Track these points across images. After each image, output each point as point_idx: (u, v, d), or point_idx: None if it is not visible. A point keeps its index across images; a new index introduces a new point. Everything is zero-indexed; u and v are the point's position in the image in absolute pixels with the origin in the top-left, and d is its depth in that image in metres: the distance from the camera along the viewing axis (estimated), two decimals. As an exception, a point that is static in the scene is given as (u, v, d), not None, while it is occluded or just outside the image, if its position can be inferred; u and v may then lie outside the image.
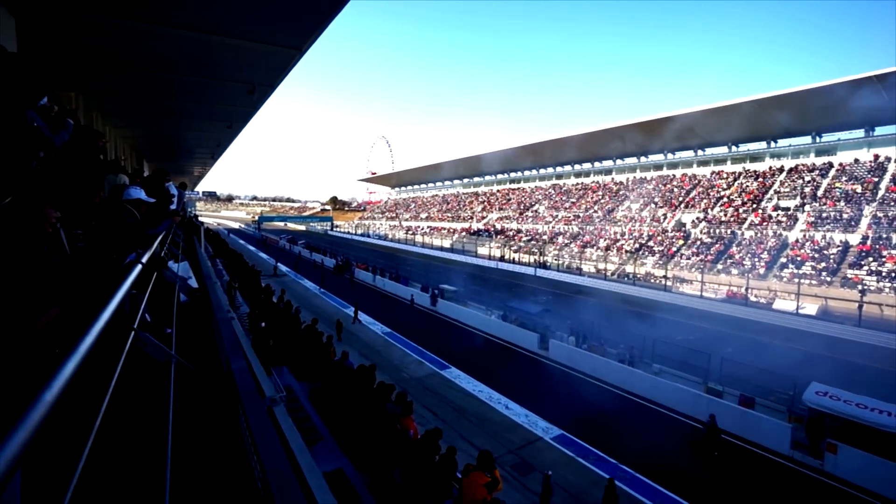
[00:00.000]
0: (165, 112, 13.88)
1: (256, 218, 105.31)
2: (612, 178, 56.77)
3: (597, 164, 59.68)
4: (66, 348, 0.64)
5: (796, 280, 26.92)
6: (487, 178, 78.35)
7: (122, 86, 10.94)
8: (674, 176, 49.92)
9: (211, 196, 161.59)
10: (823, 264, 28.29)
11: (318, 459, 6.61)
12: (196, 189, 74.98)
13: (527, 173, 70.35)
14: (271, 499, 0.97)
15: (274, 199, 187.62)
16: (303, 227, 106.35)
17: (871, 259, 26.91)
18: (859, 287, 24.46)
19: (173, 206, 5.02)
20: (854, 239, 29.42)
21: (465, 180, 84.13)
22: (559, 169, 65.30)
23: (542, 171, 68.00)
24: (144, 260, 1.73)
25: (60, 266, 1.48)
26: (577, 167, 62.66)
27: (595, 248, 43.71)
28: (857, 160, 36.70)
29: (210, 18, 6.96)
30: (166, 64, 9.15)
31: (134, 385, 1.27)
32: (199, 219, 40.21)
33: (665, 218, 43.20)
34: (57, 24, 6.87)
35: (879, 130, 36.67)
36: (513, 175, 72.69)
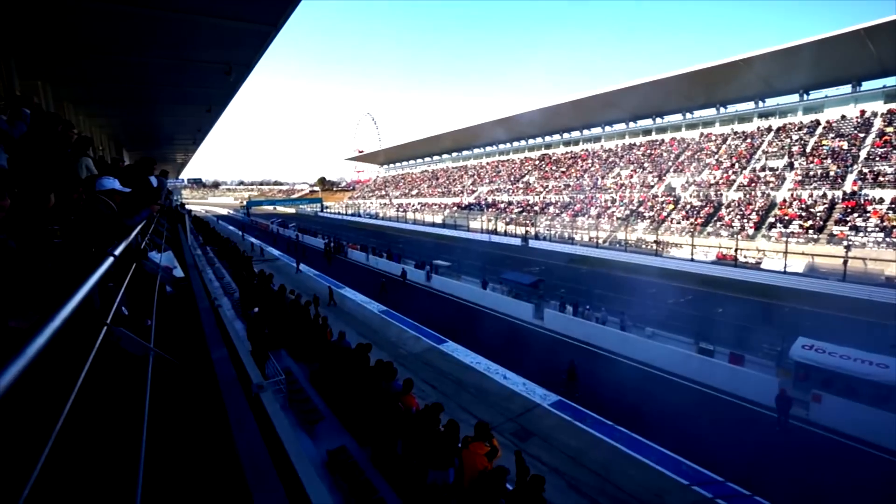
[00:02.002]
0: (140, 98, 13.40)
1: (245, 203, 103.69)
2: (602, 146, 56.40)
3: (585, 132, 59.14)
4: (11, 350, 0.61)
5: (784, 239, 27.30)
6: (476, 151, 77.40)
7: (92, 72, 10.50)
8: (662, 140, 49.68)
9: (196, 183, 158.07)
10: (810, 222, 28.66)
11: (321, 438, 6.75)
12: (180, 176, 73.35)
13: (515, 144, 69.60)
14: (248, 492, 0.98)
15: (261, 183, 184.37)
16: (292, 210, 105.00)
17: (856, 215, 27.29)
18: (844, 243, 24.89)
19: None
20: (840, 195, 29.74)
21: (454, 154, 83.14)
22: (548, 138, 64.62)
23: (530, 141, 67.29)
24: (118, 252, 1.68)
25: (31, 263, 1.42)
26: (565, 136, 62.01)
27: (586, 216, 43.82)
28: (843, 116, 36.67)
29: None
30: (136, 46, 8.76)
31: (108, 383, 1.25)
32: (186, 207, 39.46)
33: (655, 183, 43.23)
34: (18, 9, 6.50)
35: (866, 85, 36.55)
36: (501, 147, 71.88)
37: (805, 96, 40.11)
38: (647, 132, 52.41)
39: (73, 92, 12.08)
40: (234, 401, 1.34)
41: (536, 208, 50.66)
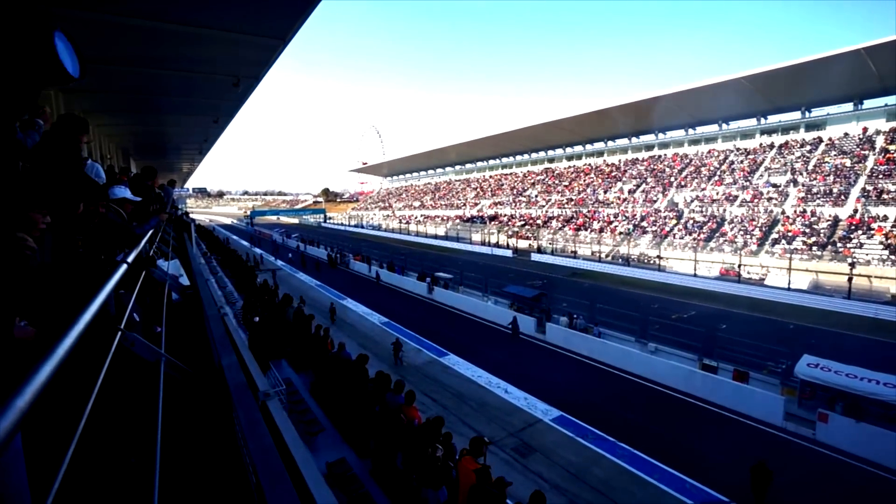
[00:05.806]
0: (149, 108, 13.58)
1: (248, 213, 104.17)
2: (605, 160, 56.74)
3: (588, 147, 59.53)
4: (42, 352, 0.64)
5: (788, 255, 27.22)
6: (479, 164, 77.94)
7: (104, 82, 10.65)
8: (665, 156, 49.94)
9: (201, 192, 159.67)
10: (814, 239, 28.61)
11: (321, 450, 6.69)
12: (186, 186, 73.93)
13: (519, 158, 70.05)
14: (262, 495, 0.99)
15: (265, 193, 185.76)
16: (296, 221, 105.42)
17: (860, 232, 27.24)
18: (849, 260, 24.81)
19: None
20: (843, 212, 29.73)
21: (458, 167, 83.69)
22: (551, 153, 65.06)
23: (533, 155, 67.77)
24: (130, 259, 1.71)
25: (44, 273, 1.45)
26: (568, 150, 62.41)
27: (589, 230, 43.85)
28: (846, 134, 36.87)
29: (190, 9, 6.78)
30: (147, 58, 8.91)
31: (122, 386, 1.27)
32: (190, 216, 39.72)
33: (658, 198, 43.33)
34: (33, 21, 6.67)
35: (868, 103, 36.79)
36: (504, 160, 72.37)
37: (807, 113, 40.36)
38: (649, 147, 52.77)
39: (84, 101, 12.27)
40: (245, 407, 1.35)
41: (539, 222, 50.75)
